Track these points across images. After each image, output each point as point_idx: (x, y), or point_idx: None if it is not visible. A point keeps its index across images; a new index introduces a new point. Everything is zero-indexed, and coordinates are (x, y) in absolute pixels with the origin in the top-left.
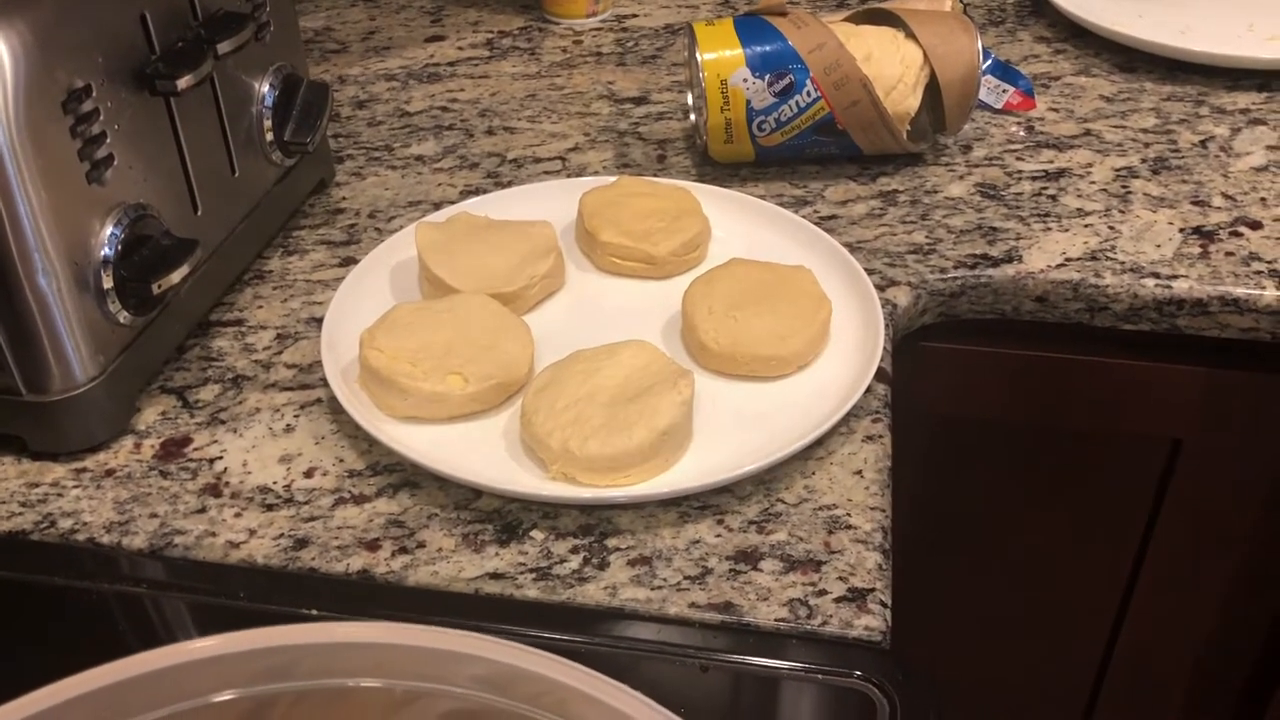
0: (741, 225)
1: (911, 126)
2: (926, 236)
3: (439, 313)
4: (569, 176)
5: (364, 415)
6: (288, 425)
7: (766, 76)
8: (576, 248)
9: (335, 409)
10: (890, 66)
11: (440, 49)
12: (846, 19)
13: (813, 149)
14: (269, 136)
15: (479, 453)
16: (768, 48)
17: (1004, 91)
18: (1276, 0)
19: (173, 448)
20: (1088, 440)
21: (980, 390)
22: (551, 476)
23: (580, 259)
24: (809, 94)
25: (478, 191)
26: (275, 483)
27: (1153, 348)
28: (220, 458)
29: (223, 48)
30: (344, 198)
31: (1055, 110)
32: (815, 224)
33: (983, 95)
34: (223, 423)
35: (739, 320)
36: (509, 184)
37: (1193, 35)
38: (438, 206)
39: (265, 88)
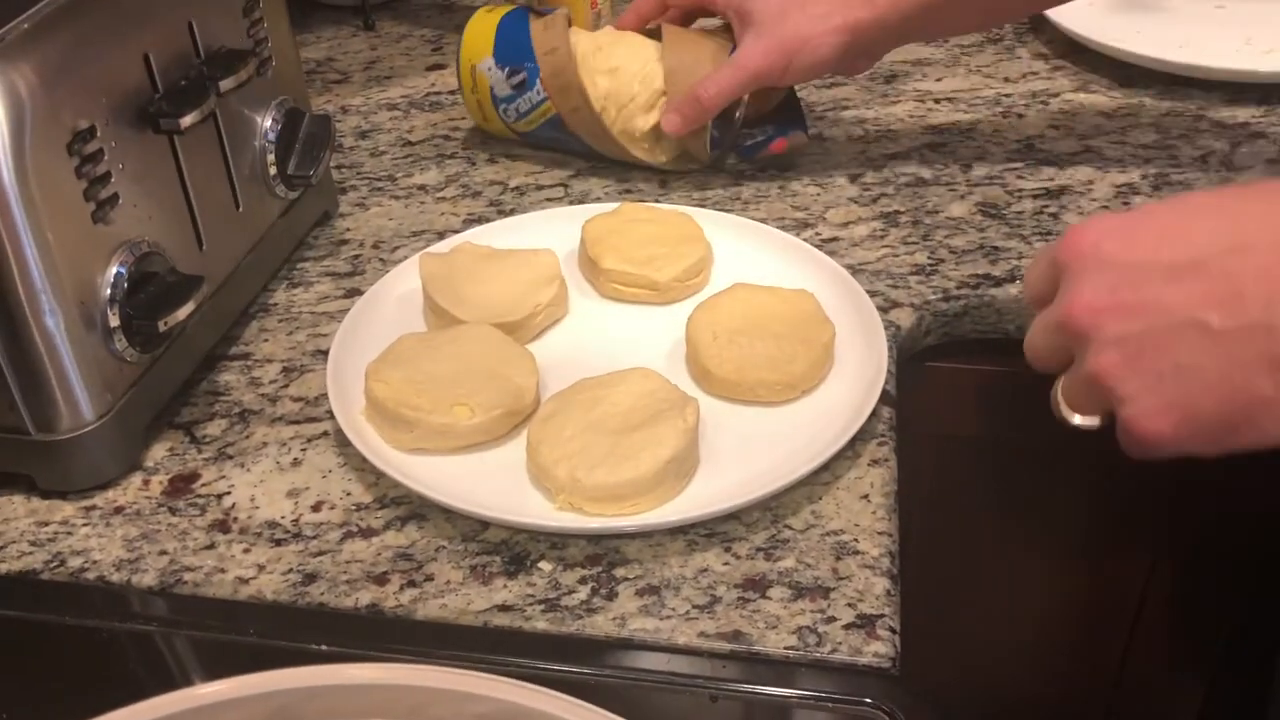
0: (744, 249)
1: (650, 143)
2: (929, 257)
3: (443, 344)
4: (571, 203)
5: (370, 448)
6: (295, 459)
7: (506, 69)
8: (580, 275)
9: (342, 441)
10: (628, 84)
11: (441, 77)
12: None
13: (564, 143)
14: (272, 170)
15: (486, 484)
16: (512, 43)
17: (759, 140)
18: (1273, 13)
19: (181, 484)
20: (1095, 457)
21: (986, 409)
22: (559, 506)
23: (584, 286)
24: (539, 92)
25: (480, 220)
26: (283, 517)
27: None
28: (228, 493)
29: (225, 85)
30: (348, 229)
31: (1055, 127)
32: (817, 246)
33: (746, 144)
34: (230, 458)
35: (743, 346)
36: (511, 212)
37: (1191, 49)
38: (441, 236)
39: (268, 122)
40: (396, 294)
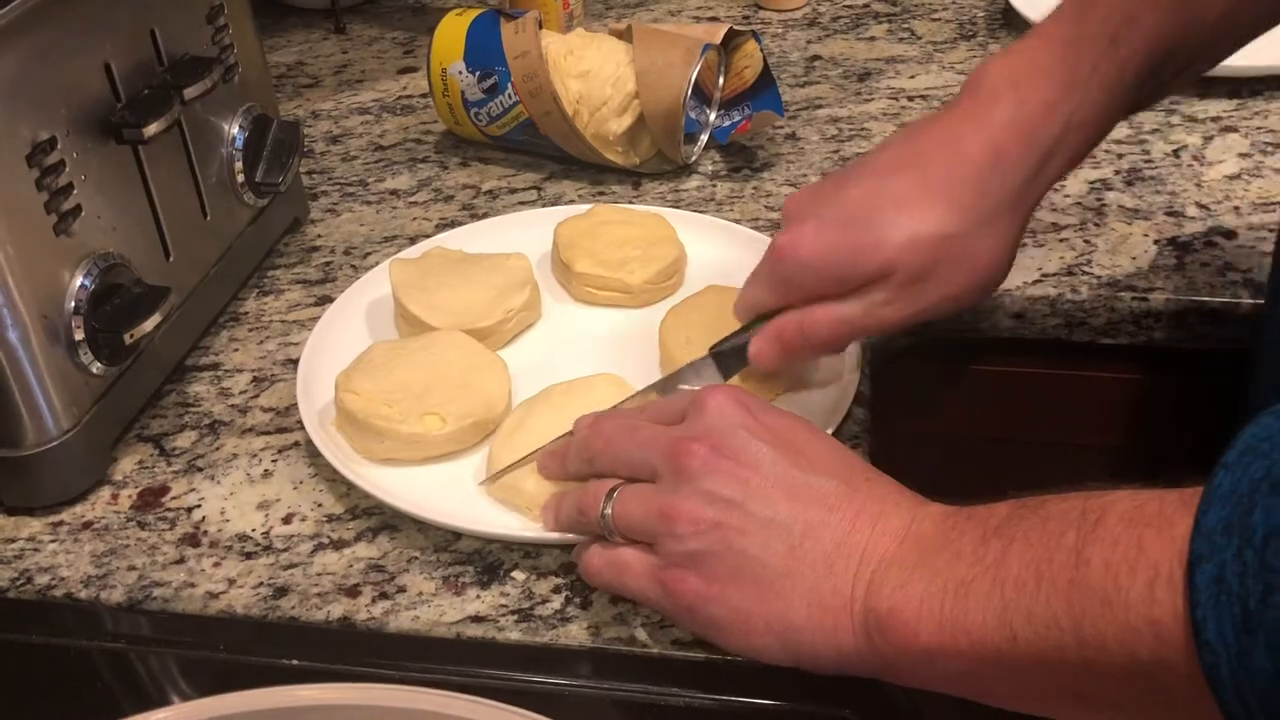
0: (717, 251)
1: (624, 146)
2: None
3: (414, 352)
4: (545, 206)
5: (342, 460)
6: (265, 470)
7: (477, 73)
8: (552, 278)
9: (313, 452)
10: (600, 87)
11: (413, 80)
12: (613, 30)
13: (537, 146)
14: (240, 178)
15: (458, 494)
16: (483, 47)
17: (735, 121)
18: None
19: (150, 497)
20: (1072, 455)
21: (961, 407)
22: (533, 517)
23: (556, 290)
24: (510, 96)
25: (453, 224)
26: (254, 530)
27: (1132, 360)
28: (198, 506)
29: (189, 93)
30: (319, 235)
31: None
32: None
33: (722, 126)
34: (200, 470)
35: None
36: (484, 216)
37: None
38: (413, 241)
39: (235, 129)
40: (367, 301)
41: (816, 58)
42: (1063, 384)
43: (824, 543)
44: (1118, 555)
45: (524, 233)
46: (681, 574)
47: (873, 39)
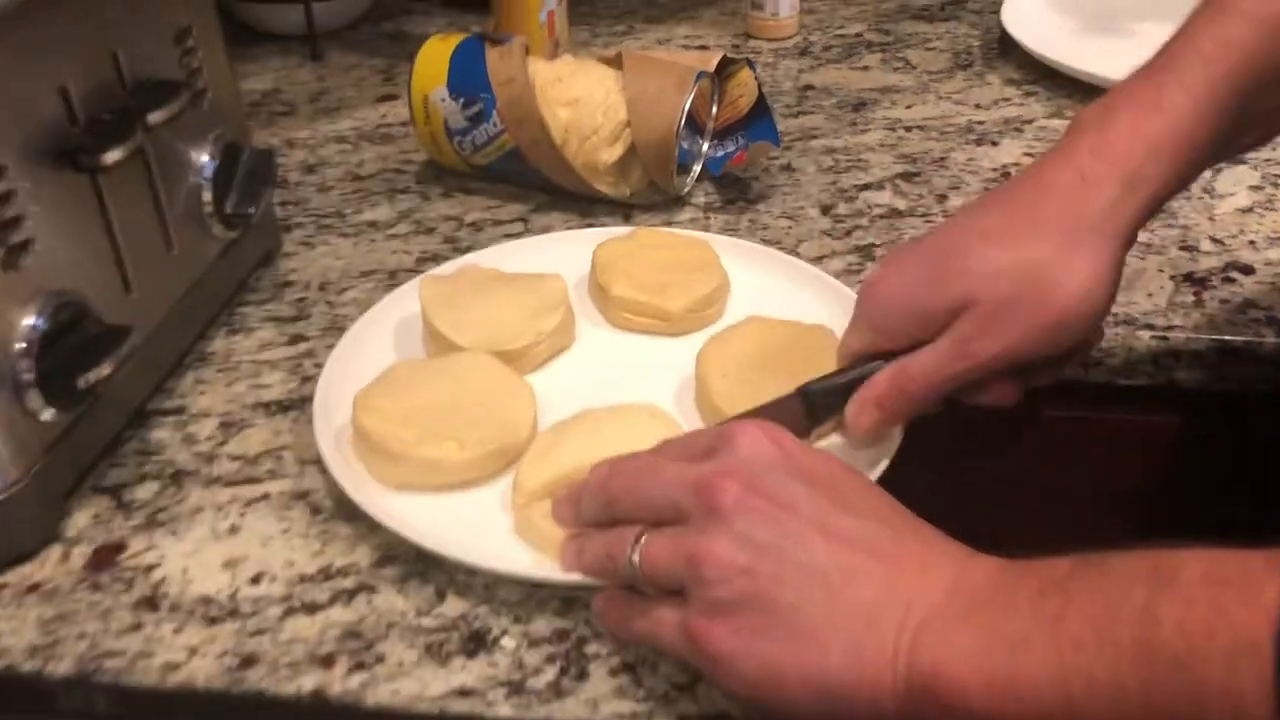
0: (762, 279)
1: (614, 177)
2: None
3: (438, 372)
4: (531, 237)
5: (353, 482)
6: (232, 525)
7: (461, 100)
8: (589, 302)
9: (283, 505)
10: (590, 115)
11: (393, 108)
12: (602, 58)
13: (522, 176)
14: (209, 209)
15: (471, 527)
16: (467, 73)
17: (729, 152)
18: None
19: (105, 555)
20: (1092, 496)
21: (979, 450)
22: (551, 556)
23: (593, 314)
24: (495, 124)
25: (435, 258)
26: (218, 592)
27: (1153, 402)
28: (158, 565)
29: (154, 118)
30: (293, 269)
31: (1030, 155)
32: None
33: (715, 156)
34: (161, 524)
35: (755, 383)
36: (467, 249)
37: None
38: (393, 275)
39: (204, 157)
40: (396, 318)
41: (810, 87)
42: (1081, 427)
43: (865, 592)
44: (1194, 617)
45: (566, 252)
46: (708, 624)
47: (866, 68)
